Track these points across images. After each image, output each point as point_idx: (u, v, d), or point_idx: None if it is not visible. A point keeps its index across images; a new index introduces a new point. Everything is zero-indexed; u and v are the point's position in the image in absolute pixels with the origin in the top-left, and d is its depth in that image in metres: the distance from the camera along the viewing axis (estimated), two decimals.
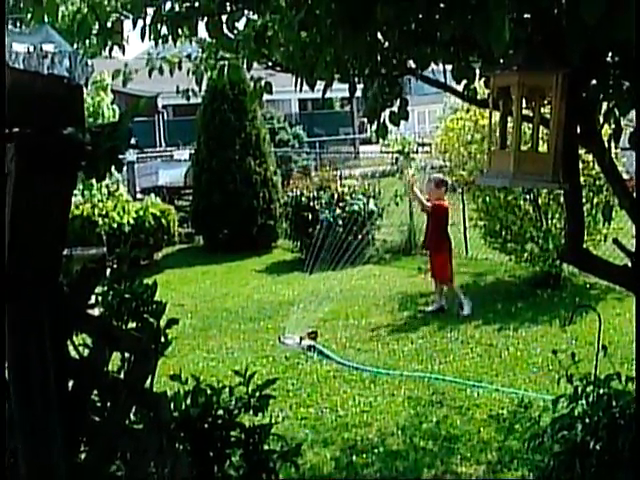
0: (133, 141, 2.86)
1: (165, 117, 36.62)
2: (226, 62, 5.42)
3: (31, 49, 3.06)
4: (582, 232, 4.24)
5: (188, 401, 3.66)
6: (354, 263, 14.57)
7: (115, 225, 14.60)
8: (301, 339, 9.78)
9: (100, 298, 3.41)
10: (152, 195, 17.05)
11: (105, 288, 3.40)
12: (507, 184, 4.03)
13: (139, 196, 18.49)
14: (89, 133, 2.73)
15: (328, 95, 4.83)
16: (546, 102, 3.80)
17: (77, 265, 3.41)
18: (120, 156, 2.80)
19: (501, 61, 3.93)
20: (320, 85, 4.59)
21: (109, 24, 4.22)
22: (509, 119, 3.86)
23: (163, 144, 33.42)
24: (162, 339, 3.35)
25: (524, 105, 3.79)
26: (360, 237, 14.95)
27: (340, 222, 14.60)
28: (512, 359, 8.90)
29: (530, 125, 3.95)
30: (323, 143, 33.88)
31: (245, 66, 5.08)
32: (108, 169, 2.78)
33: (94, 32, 4.25)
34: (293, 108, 39.43)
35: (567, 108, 3.60)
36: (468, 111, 12.70)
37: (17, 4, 4.13)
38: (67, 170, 2.82)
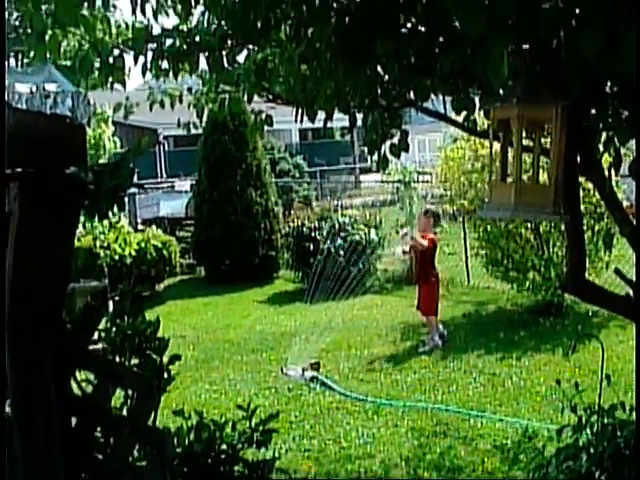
0: (135, 178, 2.87)
1: (166, 148, 36.76)
2: (227, 95, 5.44)
3: (34, 89, 3.08)
4: (584, 263, 4.24)
5: (191, 436, 3.65)
6: (356, 293, 14.56)
7: (117, 257, 14.61)
8: (303, 370, 9.75)
9: (103, 334, 3.41)
10: (153, 226, 17.07)
11: (108, 324, 3.40)
12: (508, 216, 4.04)
13: (140, 227, 18.48)
14: (91, 172, 2.74)
15: (328, 125, 4.85)
16: (546, 133, 3.81)
17: (79, 298, 3.42)
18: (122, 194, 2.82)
19: (500, 92, 3.96)
20: (321, 115, 4.62)
21: (111, 60, 4.24)
22: (509, 150, 3.87)
23: (164, 175, 33.52)
24: (165, 375, 3.34)
25: (524, 136, 3.80)
26: (361, 267, 14.96)
27: (341, 252, 14.61)
28: (515, 388, 8.88)
29: (530, 155, 3.97)
30: (324, 173, 33.93)
31: (246, 99, 5.09)
32: (110, 208, 2.79)
33: (96, 68, 4.27)
34: (294, 138, 39.55)
35: (567, 138, 3.61)
36: (468, 140, 12.75)
37: (19, 41, 4.16)
38: (70, 209, 2.83)
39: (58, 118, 2.80)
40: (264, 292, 15.53)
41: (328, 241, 14.77)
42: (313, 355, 10.41)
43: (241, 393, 9.18)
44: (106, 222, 15.46)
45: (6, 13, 4.25)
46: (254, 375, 10.01)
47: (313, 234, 15.14)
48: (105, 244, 14.71)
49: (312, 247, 14.95)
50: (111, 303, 6.98)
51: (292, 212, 17.10)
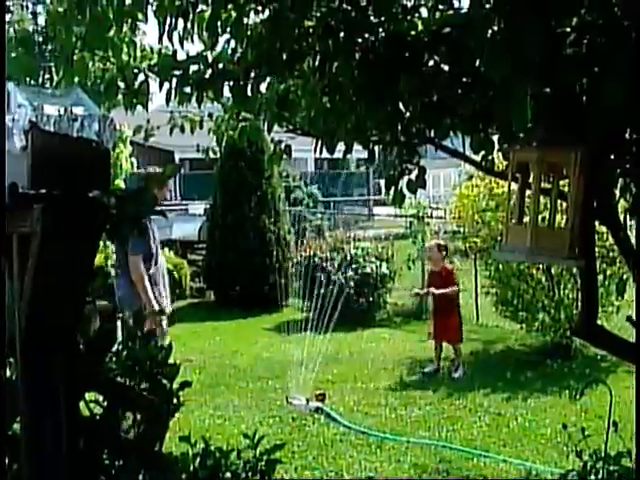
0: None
1: (181, 171, 36.86)
2: (247, 123, 5.47)
3: (62, 111, 3.11)
4: (596, 309, 4.24)
5: (197, 463, 3.65)
6: (364, 325, 14.59)
7: None
8: (308, 400, 9.73)
9: (114, 357, 3.42)
10: (165, 248, 17.08)
11: (119, 347, 3.42)
12: (523, 259, 4.06)
13: None
14: (114, 197, 2.77)
15: (342, 155, 4.88)
16: (565, 176, 3.83)
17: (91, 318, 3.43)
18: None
19: (519, 134, 3.98)
20: (339, 146, 4.65)
21: (136, 84, 4.28)
22: (527, 192, 3.89)
23: (178, 197, 33.59)
24: (174, 401, 3.35)
25: (542, 179, 3.82)
26: (371, 300, 14.97)
27: (352, 284, 14.63)
28: (520, 429, 8.84)
29: (547, 197, 3.98)
30: (337, 203, 34.01)
31: (266, 128, 5.12)
32: (130, 233, 2.81)
33: (121, 91, 4.31)
34: (309, 167, 39.64)
35: (585, 183, 3.63)
36: (483, 179, 12.76)
37: (48, 65, 4.21)
38: (91, 233, 2.86)
39: (84, 142, 2.83)
40: (273, 320, 15.52)
41: (339, 272, 14.78)
42: (319, 386, 10.39)
43: (245, 420, 9.16)
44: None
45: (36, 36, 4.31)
46: (259, 403, 9.99)
47: (324, 264, 15.14)
48: (117, 264, 14.71)
49: (323, 277, 14.94)
50: (119, 323, 7.00)
51: (304, 241, 17.10)
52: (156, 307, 8.66)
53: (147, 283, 8.80)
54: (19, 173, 2.78)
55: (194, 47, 4.81)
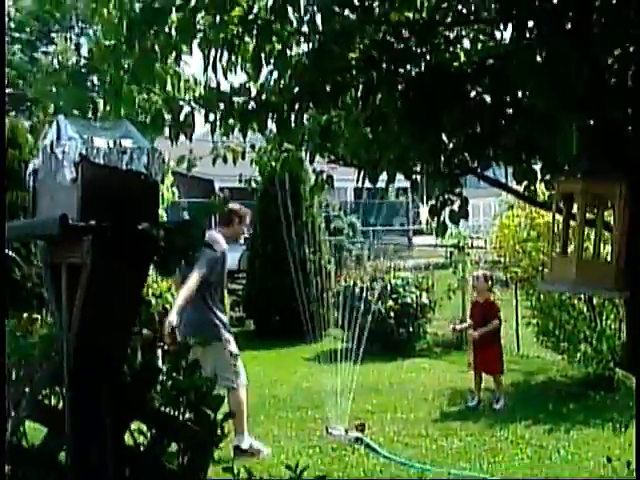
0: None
1: (221, 199, 36.97)
2: (288, 154, 5.50)
3: (111, 144, 3.14)
4: None
5: None
6: (404, 355, 14.53)
7: (168, 306, 14.67)
8: (348, 431, 9.68)
9: (159, 387, 3.44)
10: None
11: (164, 377, 3.43)
12: (568, 290, 4.04)
13: None
14: (163, 229, 2.80)
15: (383, 185, 4.88)
16: (609, 207, 3.81)
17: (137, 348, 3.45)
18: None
19: (562, 164, 3.97)
20: (380, 177, 4.66)
21: (182, 117, 4.33)
22: (571, 223, 3.88)
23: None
24: (218, 432, 3.36)
25: (587, 210, 3.80)
26: (411, 329, 14.92)
27: (392, 314, 14.60)
28: (563, 462, 8.73)
29: (592, 229, 3.97)
30: (377, 233, 33.99)
31: (308, 159, 5.15)
32: (179, 265, 2.84)
33: (167, 123, 4.36)
34: (348, 196, 39.66)
35: (631, 215, 3.61)
36: (524, 208, 12.72)
37: (93, 98, 4.27)
38: (140, 265, 2.89)
39: (133, 174, 2.86)
40: (312, 349, 15.47)
41: (379, 302, 14.76)
42: (358, 416, 10.35)
43: (285, 450, 9.13)
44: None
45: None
46: (298, 433, 9.96)
47: (364, 294, 15.12)
48: (157, 293, 14.80)
49: (363, 307, 14.92)
50: (159, 351, 7.01)
51: (344, 271, 17.10)
52: (172, 320, 8.56)
53: (183, 297, 8.78)
54: (69, 205, 2.82)
55: (236, 78, 4.85)
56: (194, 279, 8.74)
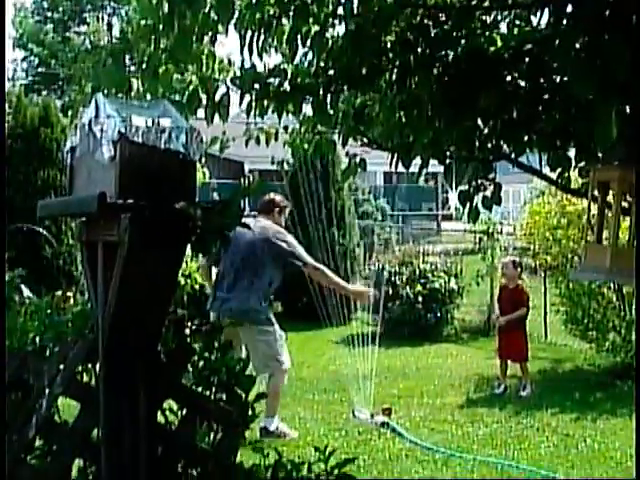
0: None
1: (251, 181, 37.03)
2: (322, 136, 5.49)
3: (149, 123, 3.14)
4: None
5: (268, 474, 3.65)
6: (431, 341, 14.53)
7: (197, 286, 14.75)
8: (374, 414, 9.69)
9: (191, 367, 3.46)
10: None
11: (196, 357, 3.45)
12: (602, 279, 4.01)
13: None
14: (200, 209, 2.80)
15: (414, 169, 4.86)
16: None
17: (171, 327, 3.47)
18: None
19: (598, 151, 3.94)
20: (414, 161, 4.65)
21: (217, 97, 4.33)
22: (606, 211, 3.85)
23: (247, 208, 33.74)
24: (249, 412, 3.37)
25: (623, 198, 3.78)
26: (439, 315, 14.90)
27: (420, 298, 14.59)
28: (589, 451, 8.69)
29: (628, 217, 3.94)
30: (406, 217, 33.95)
31: (341, 142, 5.14)
32: (215, 246, 2.85)
33: (202, 104, 4.37)
34: (378, 180, 39.63)
35: None
36: (555, 195, 12.65)
37: (133, 74, 4.28)
38: (177, 244, 2.90)
39: (171, 153, 2.87)
40: (339, 333, 15.48)
41: (407, 286, 14.76)
42: (385, 400, 10.36)
43: (311, 432, 9.15)
44: (189, 251, 15.64)
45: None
46: (324, 415, 9.98)
47: (393, 278, 15.12)
48: (187, 273, 14.87)
49: (391, 291, 14.93)
50: (188, 332, 7.04)
51: (373, 255, 17.11)
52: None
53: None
54: (107, 183, 2.84)
55: (271, 59, 4.85)
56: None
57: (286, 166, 6.48)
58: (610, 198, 3.83)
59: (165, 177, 2.82)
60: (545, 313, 14.92)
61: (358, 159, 5.50)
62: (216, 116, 4.53)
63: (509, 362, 11.44)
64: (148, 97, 4.27)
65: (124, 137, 2.80)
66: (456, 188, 4.87)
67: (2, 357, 3.13)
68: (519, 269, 11.79)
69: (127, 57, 4.62)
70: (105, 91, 4.31)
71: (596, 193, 3.93)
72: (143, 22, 4.23)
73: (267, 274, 9.01)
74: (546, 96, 3.90)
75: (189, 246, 2.91)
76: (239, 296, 8.83)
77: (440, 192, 40.48)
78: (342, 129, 4.96)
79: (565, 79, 3.69)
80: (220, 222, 2.75)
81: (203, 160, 15.36)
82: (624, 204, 3.88)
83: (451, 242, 26.85)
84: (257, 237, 8.57)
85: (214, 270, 9.42)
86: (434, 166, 4.80)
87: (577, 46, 3.40)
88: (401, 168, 4.74)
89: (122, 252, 2.80)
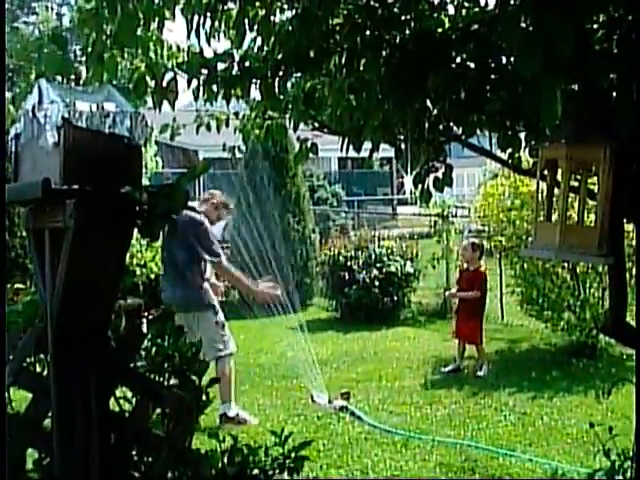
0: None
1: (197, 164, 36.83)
2: (272, 121, 5.48)
3: (94, 108, 3.10)
4: (625, 306, 4.21)
5: (225, 459, 3.65)
6: (389, 324, 14.60)
7: (152, 276, 14.68)
8: (333, 399, 9.72)
9: (143, 353, 3.44)
10: None
11: (149, 343, 3.43)
12: (552, 256, 4.04)
13: None
14: (146, 193, 2.78)
15: (367, 154, 4.87)
16: (593, 174, 3.81)
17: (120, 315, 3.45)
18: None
19: (547, 132, 3.96)
20: (364, 145, 4.65)
21: (165, 83, 4.29)
22: (555, 190, 3.88)
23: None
24: (203, 397, 3.36)
25: (571, 177, 3.80)
26: (396, 299, 14.96)
27: (376, 283, 14.64)
28: (546, 429, 8.79)
29: (576, 195, 3.97)
30: (361, 202, 34.01)
31: (292, 126, 5.12)
32: (162, 230, 2.83)
33: (149, 89, 4.33)
34: (333, 166, 39.63)
35: (614, 181, 3.61)
36: (508, 177, 12.71)
37: (80, 61, 4.23)
38: (123, 229, 2.88)
39: (116, 138, 2.84)
40: (297, 319, 15.50)
41: (363, 271, 14.80)
42: (344, 384, 10.40)
43: (270, 418, 9.17)
44: (144, 240, 15.58)
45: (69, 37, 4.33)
46: (284, 401, 10.00)
47: (349, 263, 15.15)
48: (142, 262, 14.80)
49: (347, 276, 14.97)
50: (145, 321, 7.02)
51: (329, 240, 17.12)
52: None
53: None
54: (51, 169, 2.81)
55: (221, 45, 4.82)
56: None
57: (239, 154, 6.41)
58: (559, 177, 3.85)
59: (110, 162, 2.79)
60: (501, 294, 15.04)
61: (309, 143, 5.49)
62: (168, 105, 4.49)
63: (466, 344, 11.54)
64: (97, 83, 4.24)
65: (68, 122, 2.77)
66: (411, 172, 4.88)
67: (2, 356, 3.08)
68: (478, 252, 11.85)
69: (78, 48, 4.58)
70: (55, 77, 4.26)
71: (545, 172, 3.96)
72: (87, 6, 4.19)
73: (197, 263, 9.05)
74: (493, 76, 3.91)
75: (137, 231, 2.89)
76: (177, 284, 8.96)
77: (395, 177, 40.58)
78: (292, 114, 4.94)
79: (512, 59, 3.70)
80: (167, 206, 2.73)
81: (155, 148, 15.29)
82: (573, 183, 3.91)
83: (407, 226, 26.94)
84: (184, 228, 8.59)
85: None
86: (389, 151, 4.81)
87: (523, 25, 3.42)
88: (355, 154, 4.74)
89: (68, 238, 2.77)
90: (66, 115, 2.80)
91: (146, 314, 8.70)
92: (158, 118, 6.52)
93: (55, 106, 2.84)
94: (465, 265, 12.07)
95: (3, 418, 3.01)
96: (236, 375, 9.39)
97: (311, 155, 5.60)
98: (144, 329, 3.68)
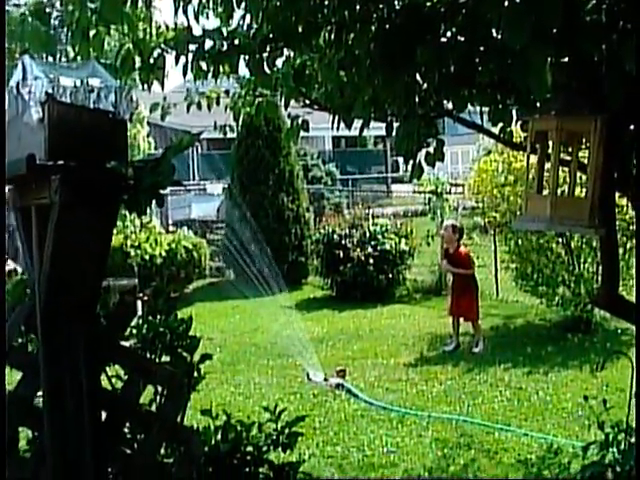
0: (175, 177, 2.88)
1: (199, 150, 36.78)
2: (263, 99, 5.45)
3: (78, 83, 3.09)
4: (617, 278, 4.21)
5: (218, 436, 3.65)
6: (384, 302, 14.61)
7: (147, 257, 14.69)
8: (329, 377, 9.74)
9: (135, 331, 3.43)
10: (184, 228, 17.14)
11: (140, 321, 3.42)
12: (543, 228, 4.03)
13: (171, 229, 18.59)
14: (132, 167, 2.77)
15: (365, 133, 4.84)
16: (584, 146, 3.80)
17: (111, 295, 3.44)
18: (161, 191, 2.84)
19: (538, 105, 3.94)
20: (356, 123, 4.62)
21: (152, 60, 4.26)
22: (546, 162, 3.86)
23: (196, 177, 33.59)
24: (195, 374, 3.36)
25: (561, 149, 3.78)
26: (391, 276, 14.97)
27: (371, 261, 14.64)
28: (541, 403, 8.82)
29: (567, 168, 3.96)
30: (355, 181, 33.95)
31: (282, 103, 5.10)
32: (149, 204, 2.81)
33: (137, 67, 4.30)
34: (327, 145, 39.50)
35: (605, 152, 3.59)
36: (502, 153, 12.69)
37: (64, 37, 4.19)
38: (109, 203, 2.86)
39: (101, 113, 2.83)
40: (292, 297, 15.54)
41: (358, 249, 14.80)
42: (340, 362, 10.42)
43: (266, 397, 9.18)
44: (137, 222, 15.57)
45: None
46: (279, 380, 10.02)
47: (343, 242, 15.15)
48: (136, 243, 14.80)
49: (342, 255, 14.96)
50: (139, 302, 7.04)
51: (323, 219, 17.11)
52: None
53: None
54: (36, 145, 2.79)
55: (209, 23, 4.78)
56: None
57: (230, 132, 6.37)
58: (550, 149, 3.83)
59: (95, 137, 2.77)
60: (496, 270, 15.05)
61: (300, 120, 5.47)
62: (159, 87, 4.47)
63: (461, 320, 11.56)
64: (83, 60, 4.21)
65: (52, 98, 2.75)
66: (398, 149, 4.86)
67: (2, 356, 3.07)
68: (457, 234, 11.84)
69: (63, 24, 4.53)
70: (40, 54, 4.23)
71: (537, 145, 3.94)
72: None
73: None
74: (482, 49, 3.88)
75: (124, 206, 2.88)
76: None
77: (389, 155, 40.47)
78: (283, 91, 4.92)
79: (500, 31, 3.67)
80: (153, 180, 2.72)
81: (147, 129, 15.25)
82: (563, 156, 3.89)
83: (401, 204, 26.98)
84: None
85: None
86: (383, 129, 4.78)
87: None
88: (349, 132, 4.71)
89: (54, 214, 2.76)
90: (50, 91, 2.78)
91: (141, 295, 8.72)
92: (152, 100, 6.50)
93: (39, 82, 2.84)
94: (445, 246, 12.16)
95: (3, 418, 3.00)
96: (232, 354, 9.39)
97: (305, 134, 5.58)
98: (139, 310, 3.68)
